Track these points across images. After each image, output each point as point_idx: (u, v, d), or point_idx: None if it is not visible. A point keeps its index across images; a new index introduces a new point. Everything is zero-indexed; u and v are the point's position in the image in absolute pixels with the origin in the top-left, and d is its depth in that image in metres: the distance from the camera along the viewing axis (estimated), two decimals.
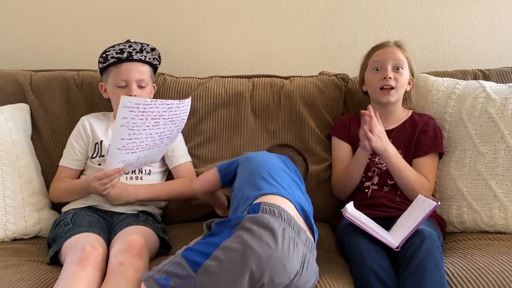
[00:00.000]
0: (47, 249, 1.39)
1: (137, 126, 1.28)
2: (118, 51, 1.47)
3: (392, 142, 1.49)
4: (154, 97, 1.62)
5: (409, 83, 1.57)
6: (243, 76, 1.78)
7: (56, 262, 1.27)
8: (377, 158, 1.51)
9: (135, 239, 1.22)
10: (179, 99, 1.68)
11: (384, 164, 1.50)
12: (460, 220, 1.46)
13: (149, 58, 1.55)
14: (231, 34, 1.95)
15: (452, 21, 1.94)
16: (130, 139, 1.29)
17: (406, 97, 1.60)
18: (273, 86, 1.73)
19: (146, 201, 1.48)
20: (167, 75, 1.76)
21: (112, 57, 1.48)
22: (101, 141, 1.52)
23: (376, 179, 1.51)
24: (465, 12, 1.93)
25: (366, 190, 1.50)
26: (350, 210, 1.30)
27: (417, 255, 1.14)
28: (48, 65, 1.91)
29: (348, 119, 1.64)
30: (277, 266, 0.99)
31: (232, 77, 1.77)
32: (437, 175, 1.53)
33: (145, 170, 1.52)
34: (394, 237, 1.23)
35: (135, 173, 1.50)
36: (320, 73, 1.82)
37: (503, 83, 1.63)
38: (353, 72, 1.73)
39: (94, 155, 1.52)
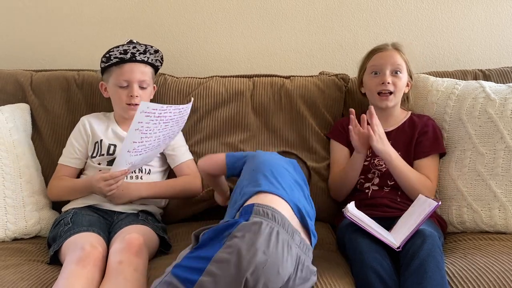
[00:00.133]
0: (47, 248, 1.39)
1: (150, 130, 1.29)
2: (122, 52, 1.48)
3: (392, 144, 1.49)
4: (153, 98, 1.63)
5: (407, 85, 1.57)
6: (244, 76, 1.78)
7: (56, 261, 1.27)
8: (377, 159, 1.51)
9: (134, 238, 1.22)
10: (180, 99, 1.71)
11: (383, 166, 1.50)
12: (460, 220, 1.46)
13: (152, 60, 1.56)
14: (231, 34, 1.96)
15: (452, 21, 1.94)
16: (141, 142, 1.30)
17: (405, 99, 1.60)
18: (274, 85, 1.73)
19: (149, 198, 1.49)
20: (168, 75, 1.77)
21: (115, 57, 1.48)
22: (101, 140, 1.53)
23: (376, 180, 1.51)
24: (465, 12, 1.93)
25: (367, 191, 1.50)
26: (351, 209, 1.30)
27: (418, 255, 1.14)
28: (48, 65, 1.91)
29: (347, 121, 1.63)
30: (271, 272, 0.98)
31: (233, 76, 1.78)
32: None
33: (145, 169, 1.52)
34: (395, 237, 1.23)
35: (135, 173, 1.50)
36: (320, 73, 1.82)
37: (503, 83, 1.63)
38: (353, 72, 1.73)
39: (94, 154, 1.52)
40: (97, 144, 1.53)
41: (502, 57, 1.95)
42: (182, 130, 1.66)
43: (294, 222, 1.10)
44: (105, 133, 1.55)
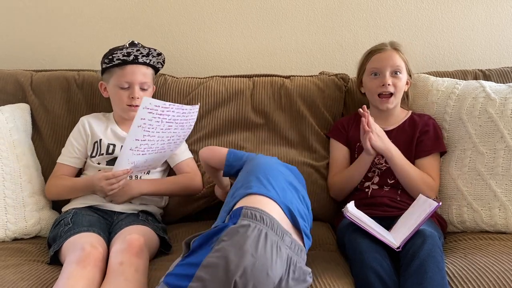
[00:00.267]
0: (47, 248, 1.39)
1: (152, 128, 1.29)
2: (125, 54, 1.48)
3: (393, 142, 1.49)
4: (153, 98, 1.63)
5: (406, 83, 1.57)
6: (244, 76, 1.78)
7: (56, 261, 1.27)
8: (377, 158, 1.51)
9: (135, 238, 1.22)
10: (180, 99, 1.71)
11: (384, 164, 1.50)
12: (460, 220, 1.46)
13: (153, 62, 1.56)
14: (231, 34, 1.96)
15: (452, 21, 1.94)
16: (143, 140, 1.30)
17: (404, 97, 1.60)
18: (274, 85, 1.73)
19: (150, 195, 1.49)
20: (168, 75, 1.77)
21: (117, 59, 1.48)
22: (100, 140, 1.53)
23: (376, 179, 1.51)
24: (465, 12, 1.93)
25: (367, 190, 1.51)
26: (351, 209, 1.30)
27: (418, 256, 1.14)
28: (48, 65, 1.91)
29: (347, 120, 1.64)
30: (261, 274, 0.97)
31: (233, 76, 1.78)
32: None
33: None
34: (395, 237, 1.23)
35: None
36: (320, 73, 1.82)
37: (504, 83, 1.63)
38: (353, 72, 1.73)
39: (94, 154, 1.52)
40: (96, 144, 1.53)
41: (502, 57, 1.95)
42: None
43: (285, 223, 1.09)
44: (105, 133, 1.55)
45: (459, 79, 1.68)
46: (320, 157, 1.66)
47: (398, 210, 1.40)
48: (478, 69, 1.76)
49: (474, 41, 1.95)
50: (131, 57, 1.49)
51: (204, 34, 1.95)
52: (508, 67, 1.76)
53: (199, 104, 1.40)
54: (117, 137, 1.54)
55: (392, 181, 1.49)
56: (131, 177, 1.49)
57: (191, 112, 1.36)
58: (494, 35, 1.94)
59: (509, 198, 1.41)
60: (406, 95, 1.61)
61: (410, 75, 1.58)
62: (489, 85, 1.54)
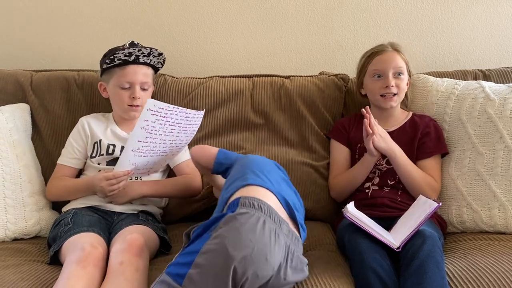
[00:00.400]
0: (47, 249, 1.39)
1: (155, 130, 1.28)
2: (127, 55, 1.48)
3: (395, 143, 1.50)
4: (152, 97, 1.63)
5: (406, 84, 1.57)
6: (244, 76, 1.78)
7: (56, 261, 1.27)
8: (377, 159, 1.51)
9: (135, 238, 1.22)
10: (180, 99, 1.71)
11: (384, 165, 1.50)
12: (460, 220, 1.46)
13: (154, 62, 1.56)
14: (231, 34, 1.96)
15: (452, 21, 1.94)
16: (145, 142, 1.30)
17: (404, 97, 1.60)
18: (273, 85, 1.73)
19: (150, 196, 1.49)
20: (168, 75, 1.77)
21: (119, 59, 1.48)
22: (100, 140, 1.53)
23: (376, 180, 1.51)
24: (465, 12, 1.93)
25: (367, 190, 1.51)
26: (351, 210, 1.30)
27: (418, 256, 1.14)
28: (48, 65, 1.91)
29: (347, 121, 1.64)
30: (260, 259, 0.97)
31: (233, 76, 1.78)
32: None
33: None
34: (394, 238, 1.23)
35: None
36: (320, 73, 1.82)
37: (503, 83, 1.63)
38: (353, 72, 1.73)
39: (94, 155, 1.52)
40: (96, 144, 1.53)
41: (502, 57, 1.95)
42: None
43: (282, 213, 1.09)
44: (104, 133, 1.55)
45: (459, 79, 1.68)
46: (320, 157, 1.66)
47: (398, 211, 1.40)
48: (478, 69, 1.76)
49: (474, 41, 1.95)
50: (132, 57, 1.49)
51: (204, 34, 1.95)
52: (508, 67, 1.76)
53: (204, 110, 1.39)
54: (117, 137, 1.54)
55: (393, 182, 1.49)
56: (131, 178, 1.49)
57: (195, 117, 1.35)
58: (494, 35, 1.94)
59: (508, 198, 1.41)
60: (405, 95, 1.61)
61: (409, 76, 1.59)
62: (488, 86, 1.54)
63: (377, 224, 1.29)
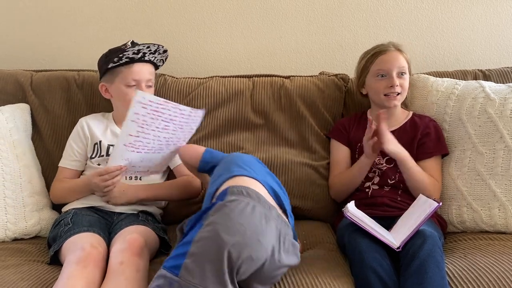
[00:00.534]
0: (47, 249, 1.39)
1: (147, 125, 1.27)
2: (136, 52, 1.48)
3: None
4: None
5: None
6: (244, 76, 1.78)
7: (56, 262, 1.27)
8: (377, 158, 1.51)
9: (135, 238, 1.22)
10: (180, 99, 1.71)
11: (384, 165, 1.50)
12: (460, 220, 1.46)
13: (157, 59, 1.57)
14: (231, 34, 1.96)
15: (452, 21, 1.94)
16: (137, 136, 1.28)
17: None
18: (273, 85, 1.73)
19: (147, 201, 1.48)
20: (168, 75, 1.77)
21: (127, 58, 1.48)
22: (100, 141, 1.52)
23: (376, 179, 1.51)
24: (465, 12, 1.93)
25: (367, 190, 1.51)
26: (351, 209, 1.30)
27: (418, 256, 1.14)
28: (48, 65, 1.91)
29: (348, 121, 1.64)
30: (253, 242, 0.98)
31: (233, 76, 1.78)
32: None
33: None
34: (395, 237, 1.23)
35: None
36: (320, 73, 1.82)
37: (503, 83, 1.63)
38: (353, 72, 1.73)
39: (94, 156, 1.52)
40: (96, 146, 1.52)
41: (502, 57, 1.95)
42: None
43: (270, 200, 1.11)
44: (104, 134, 1.55)
45: (459, 79, 1.68)
46: (319, 158, 1.66)
47: (398, 210, 1.40)
48: (478, 69, 1.77)
49: (474, 41, 1.95)
50: (140, 55, 1.49)
51: (204, 34, 1.95)
52: (508, 67, 1.76)
53: (204, 109, 1.38)
54: (117, 137, 1.53)
55: (393, 182, 1.49)
56: (130, 178, 1.49)
57: (192, 116, 1.34)
58: (494, 35, 1.94)
59: (508, 198, 1.41)
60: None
61: (410, 75, 1.59)
62: (488, 85, 1.54)
63: (377, 224, 1.29)
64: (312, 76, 1.77)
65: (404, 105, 1.63)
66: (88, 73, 1.74)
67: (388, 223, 1.34)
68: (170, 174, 1.62)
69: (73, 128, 1.59)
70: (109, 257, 1.21)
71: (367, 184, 1.51)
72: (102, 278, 1.16)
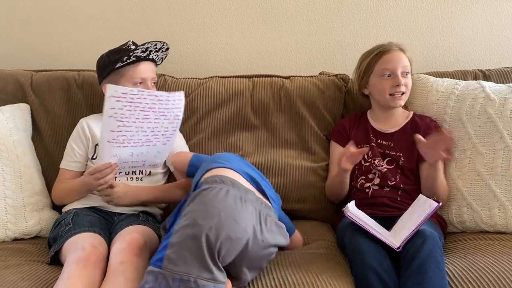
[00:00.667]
0: (48, 249, 1.39)
1: (126, 118, 1.26)
2: (144, 50, 1.48)
3: (394, 145, 1.51)
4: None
5: None
6: (243, 76, 1.78)
7: (56, 262, 1.27)
8: (377, 160, 1.51)
9: (135, 238, 1.22)
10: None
11: (384, 166, 1.50)
12: (460, 220, 1.46)
13: (159, 58, 1.57)
14: (231, 34, 1.96)
15: (452, 21, 1.94)
16: (119, 131, 1.27)
17: None
18: (273, 85, 1.73)
19: (148, 203, 1.48)
20: (168, 76, 1.77)
21: (134, 56, 1.47)
22: None
23: (377, 181, 1.51)
24: (465, 12, 1.93)
25: (367, 190, 1.51)
26: (352, 209, 1.30)
27: (419, 256, 1.15)
28: (48, 65, 1.91)
29: (348, 122, 1.64)
30: (229, 222, 1.01)
31: (232, 77, 1.78)
32: None
33: (145, 171, 1.52)
34: (395, 237, 1.24)
35: (135, 174, 1.50)
36: (320, 73, 1.82)
37: (503, 83, 1.63)
38: (353, 73, 1.73)
39: (94, 156, 1.51)
40: (97, 147, 1.52)
41: (502, 57, 1.95)
42: (182, 131, 1.66)
43: (247, 185, 1.13)
44: None
45: (459, 79, 1.68)
46: (318, 159, 1.66)
47: (398, 210, 1.40)
48: (478, 69, 1.76)
49: (474, 41, 1.95)
50: (147, 53, 1.49)
51: (204, 34, 1.95)
52: (508, 67, 1.76)
53: (183, 91, 1.37)
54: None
55: (393, 183, 1.49)
56: (131, 178, 1.49)
57: (171, 100, 1.31)
58: (494, 35, 1.94)
59: (508, 198, 1.41)
60: None
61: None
62: (488, 86, 1.54)
63: (377, 224, 1.29)
64: (312, 76, 1.77)
65: (404, 105, 1.63)
66: (88, 73, 1.74)
67: (388, 223, 1.34)
68: (170, 175, 1.62)
69: (73, 128, 1.58)
70: (109, 257, 1.21)
71: (367, 184, 1.51)
72: (103, 278, 1.16)
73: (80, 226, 1.32)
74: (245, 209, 1.04)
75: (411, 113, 1.60)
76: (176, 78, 1.76)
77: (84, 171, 1.55)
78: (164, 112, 1.32)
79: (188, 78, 1.77)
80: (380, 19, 1.94)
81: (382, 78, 1.53)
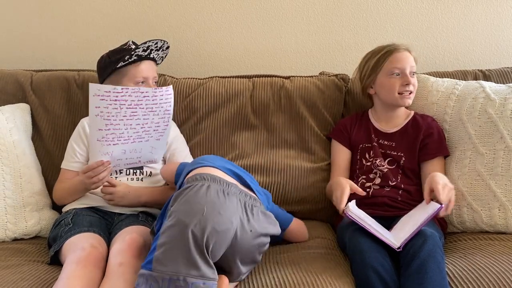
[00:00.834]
0: (48, 249, 1.39)
1: (113, 116, 1.26)
2: (145, 49, 1.48)
3: (395, 145, 1.51)
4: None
5: None
6: (243, 76, 1.78)
7: (56, 262, 1.27)
8: (378, 160, 1.52)
9: (135, 238, 1.22)
10: (180, 99, 1.71)
11: (385, 166, 1.51)
12: (460, 220, 1.46)
13: (159, 57, 1.57)
14: (231, 34, 1.96)
15: (452, 21, 1.94)
16: (108, 129, 1.27)
17: None
18: (273, 85, 1.73)
19: (149, 204, 1.48)
20: (168, 76, 1.77)
21: (136, 55, 1.47)
22: None
23: (377, 181, 1.51)
24: (465, 12, 1.93)
25: (368, 190, 1.50)
26: (353, 208, 1.30)
27: (419, 256, 1.15)
28: (48, 65, 1.91)
29: (349, 121, 1.64)
30: (213, 215, 1.02)
31: (232, 77, 1.77)
32: None
33: (146, 171, 1.52)
34: (395, 237, 1.23)
35: (136, 174, 1.50)
36: (320, 73, 1.82)
37: (503, 84, 1.63)
38: (352, 73, 1.73)
39: None
40: None
41: (502, 57, 1.95)
42: (182, 132, 1.66)
43: (230, 179, 1.14)
44: None
45: (459, 79, 1.68)
46: (318, 159, 1.66)
47: (399, 210, 1.40)
48: (478, 69, 1.77)
49: (474, 41, 1.95)
50: (148, 52, 1.49)
51: (204, 34, 1.95)
52: (508, 67, 1.77)
53: (171, 85, 1.37)
54: None
55: (394, 183, 1.49)
56: (132, 179, 1.49)
57: (158, 95, 1.31)
58: (494, 35, 1.94)
59: (508, 198, 1.41)
60: None
61: None
62: (489, 86, 1.54)
63: (378, 223, 1.29)
64: (312, 76, 1.77)
65: None
66: (88, 73, 1.74)
67: (388, 223, 1.34)
68: None
69: (74, 128, 1.58)
70: (108, 257, 1.21)
71: (368, 184, 1.51)
72: (102, 278, 1.16)
73: (79, 226, 1.31)
74: (228, 201, 1.06)
75: (412, 112, 1.60)
76: (176, 78, 1.76)
77: None
78: (152, 108, 1.32)
79: (188, 78, 1.77)
80: (380, 19, 1.94)
81: (391, 77, 1.52)
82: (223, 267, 1.10)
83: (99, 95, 1.23)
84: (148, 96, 1.30)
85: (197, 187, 1.06)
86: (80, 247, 1.19)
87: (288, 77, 1.76)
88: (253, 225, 1.09)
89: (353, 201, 1.36)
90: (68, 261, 1.16)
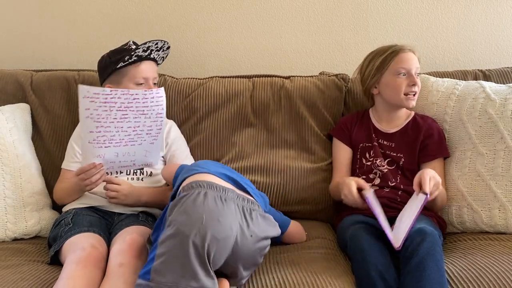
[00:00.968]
0: (48, 249, 1.39)
1: (103, 118, 1.25)
2: (145, 49, 1.47)
3: (395, 146, 1.51)
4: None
5: None
6: (243, 76, 1.78)
7: (56, 262, 1.27)
8: (379, 160, 1.52)
9: (135, 239, 1.22)
10: (179, 100, 1.71)
11: (385, 167, 1.51)
12: (460, 221, 1.46)
13: (160, 57, 1.57)
14: (231, 34, 1.96)
15: (452, 21, 1.94)
16: (99, 132, 1.26)
17: None
18: (273, 85, 1.73)
19: (149, 204, 1.48)
20: (168, 76, 1.77)
21: (136, 56, 1.47)
22: None
23: (377, 181, 1.51)
24: (465, 12, 1.93)
25: None
26: (370, 196, 1.30)
27: (418, 253, 1.15)
28: (48, 65, 1.91)
29: (350, 119, 1.64)
30: (212, 223, 1.01)
31: (232, 77, 1.77)
32: None
33: (146, 171, 1.52)
34: (395, 237, 1.24)
35: (136, 174, 1.50)
36: (320, 73, 1.82)
37: (504, 84, 1.63)
38: (352, 72, 1.73)
39: None
40: None
41: (502, 57, 1.95)
42: (182, 132, 1.66)
43: (226, 184, 1.13)
44: None
45: (459, 79, 1.68)
46: (318, 159, 1.66)
47: (398, 211, 1.40)
48: (478, 69, 1.77)
49: (474, 41, 1.95)
50: (148, 52, 1.49)
51: (204, 34, 1.95)
52: (508, 67, 1.77)
53: (162, 87, 1.35)
54: None
55: (393, 184, 1.49)
56: (132, 179, 1.49)
57: (149, 97, 1.30)
58: (494, 35, 1.94)
59: (509, 198, 1.41)
60: None
61: None
62: (489, 86, 1.54)
63: (386, 220, 1.29)
64: (312, 76, 1.77)
65: None
66: (88, 73, 1.74)
67: (388, 223, 1.34)
68: None
69: (74, 128, 1.59)
70: (108, 257, 1.21)
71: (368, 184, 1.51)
72: (102, 278, 1.16)
73: (79, 226, 1.31)
74: (226, 207, 1.05)
75: (412, 113, 1.60)
76: (176, 78, 1.76)
77: None
78: (143, 110, 1.30)
79: (188, 78, 1.77)
80: (380, 19, 1.94)
81: (398, 77, 1.51)
82: (225, 272, 1.09)
83: (88, 97, 1.22)
84: (138, 99, 1.28)
85: (194, 195, 1.05)
86: (80, 247, 1.19)
87: (288, 77, 1.76)
88: (253, 230, 1.09)
89: (372, 190, 1.35)
90: (68, 261, 1.16)
